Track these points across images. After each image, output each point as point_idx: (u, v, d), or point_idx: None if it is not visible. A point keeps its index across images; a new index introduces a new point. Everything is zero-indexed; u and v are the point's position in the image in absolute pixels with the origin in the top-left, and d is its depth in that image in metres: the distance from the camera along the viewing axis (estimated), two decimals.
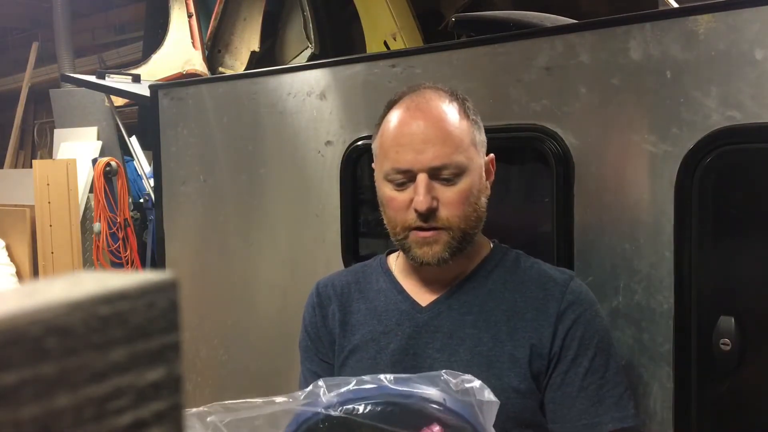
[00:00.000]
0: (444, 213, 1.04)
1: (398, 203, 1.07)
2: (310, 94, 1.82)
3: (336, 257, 1.78)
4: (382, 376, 0.84)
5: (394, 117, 1.09)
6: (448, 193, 1.04)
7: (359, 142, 1.72)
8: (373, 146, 1.15)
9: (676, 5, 1.75)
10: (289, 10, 3.44)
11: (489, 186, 1.12)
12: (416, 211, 1.04)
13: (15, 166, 6.35)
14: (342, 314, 1.19)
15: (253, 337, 2.02)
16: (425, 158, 1.03)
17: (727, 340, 1.17)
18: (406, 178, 1.06)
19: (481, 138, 1.11)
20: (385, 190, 1.10)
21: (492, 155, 1.14)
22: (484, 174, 1.10)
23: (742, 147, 1.17)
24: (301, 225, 1.88)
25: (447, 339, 1.08)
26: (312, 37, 3.19)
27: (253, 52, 3.40)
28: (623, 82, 1.29)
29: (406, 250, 1.10)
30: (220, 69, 3.51)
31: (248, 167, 2.00)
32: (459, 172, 1.04)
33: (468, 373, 1.04)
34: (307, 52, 3.23)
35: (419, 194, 1.03)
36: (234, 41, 3.50)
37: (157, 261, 2.30)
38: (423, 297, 1.14)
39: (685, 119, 1.21)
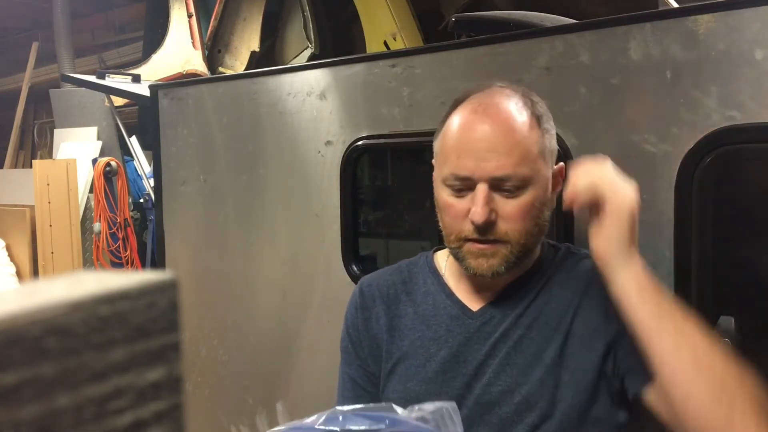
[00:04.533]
0: (503, 226, 0.98)
1: (455, 210, 1.01)
2: (310, 94, 1.82)
3: (336, 257, 1.78)
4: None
5: (459, 118, 1.01)
6: (508, 206, 0.98)
7: (359, 142, 1.72)
8: (434, 145, 1.08)
9: (676, 5, 1.75)
10: (289, 10, 3.45)
11: (555, 197, 1.05)
12: (473, 222, 0.98)
13: (15, 166, 6.36)
14: (389, 318, 1.13)
15: (253, 336, 2.02)
16: (488, 167, 0.96)
17: (727, 340, 1.17)
18: (465, 185, 0.99)
19: (552, 147, 1.03)
20: (443, 195, 1.03)
21: (562, 164, 1.07)
22: (550, 186, 1.03)
23: (742, 147, 1.17)
24: (301, 225, 1.88)
25: (499, 344, 1.04)
26: (312, 37, 3.19)
27: (253, 52, 3.40)
28: (623, 82, 1.29)
29: (459, 259, 1.04)
30: (220, 69, 3.51)
31: (248, 167, 2.00)
32: (522, 185, 0.97)
33: (521, 376, 1.01)
34: (307, 52, 3.23)
35: (477, 205, 0.97)
36: (234, 41, 3.50)
37: (157, 261, 2.30)
38: (473, 301, 1.08)
39: (685, 119, 1.21)
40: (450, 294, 1.10)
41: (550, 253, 1.11)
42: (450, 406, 0.81)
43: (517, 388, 1.02)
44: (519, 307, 1.05)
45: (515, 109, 1.00)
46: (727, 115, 1.17)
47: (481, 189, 0.97)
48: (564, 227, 1.35)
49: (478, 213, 0.97)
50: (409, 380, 1.08)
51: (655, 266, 1.26)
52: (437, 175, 1.05)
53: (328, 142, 1.78)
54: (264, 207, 1.97)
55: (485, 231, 0.98)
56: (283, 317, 1.93)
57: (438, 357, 1.06)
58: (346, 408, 0.82)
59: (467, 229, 1.00)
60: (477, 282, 1.07)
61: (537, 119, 1.01)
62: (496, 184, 0.97)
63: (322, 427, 0.78)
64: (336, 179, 1.76)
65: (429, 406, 0.81)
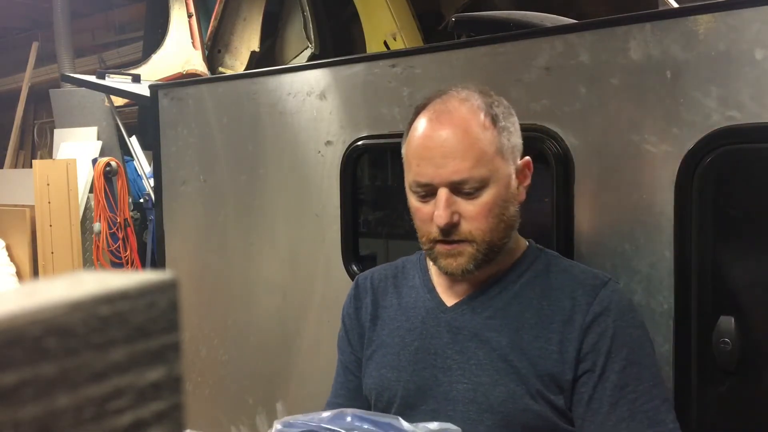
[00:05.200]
0: (466, 226, 1.03)
1: (422, 214, 1.06)
2: (310, 94, 1.82)
3: (336, 257, 1.78)
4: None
5: (419, 126, 1.07)
6: (470, 207, 1.02)
7: (359, 142, 1.72)
8: (402, 151, 1.13)
9: (676, 5, 1.75)
10: (289, 10, 3.45)
11: (524, 190, 1.09)
12: (436, 225, 1.03)
13: (15, 166, 6.35)
14: (374, 308, 1.20)
15: (253, 337, 2.02)
16: (445, 173, 1.01)
17: (727, 340, 1.17)
18: (427, 191, 1.04)
19: (512, 143, 1.06)
20: (412, 200, 1.09)
21: (527, 158, 1.10)
22: (513, 181, 1.06)
23: (742, 147, 1.17)
24: (301, 225, 1.88)
25: (467, 341, 1.07)
26: (312, 37, 3.19)
27: (253, 52, 3.40)
28: (623, 82, 1.29)
29: (433, 260, 1.09)
30: (220, 69, 3.51)
31: (248, 167, 1.99)
32: (481, 186, 1.02)
33: (485, 376, 1.04)
34: (307, 52, 3.23)
35: (438, 209, 1.02)
36: (234, 41, 3.50)
37: (157, 261, 2.30)
38: (451, 297, 1.13)
39: (685, 119, 1.21)
40: (431, 289, 1.15)
41: (531, 256, 1.13)
42: (453, 428, 0.82)
43: (480, 388, 1.04)
44: (491, 307, 1.09)
45: (469, 112, 1.04)
46: (727, 115, 1.17)
47: (442, 193, 1.02)
48: (564, 228, 1.35)
49: (440, 216, 1.01)
50: (383, 367, 1.14)
51: (655, 266, 1.26)
52: (406, 182, 1.10)
53: (328, 142, 1.78)
54: (264, 207, 1.97)
55: (449, 232, 1.03)
56: (283, 317, 1.93)
57: (412, 347, 1.12)
58: (352, 410, 0.83)
59: (434, 231, 1.04)
60: (455, 279, 1.11)
61: (492, 119, 1.04)
62: (456, 188, 1.02)
63: (327, 426, 0.79)
64: (336, 179, 1.76)
65: (433, 425, 0.83)
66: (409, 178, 1.07)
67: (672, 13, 1.26)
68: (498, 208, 1.03)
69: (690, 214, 1.21)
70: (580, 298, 1.05)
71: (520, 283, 1.09)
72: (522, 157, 1.09)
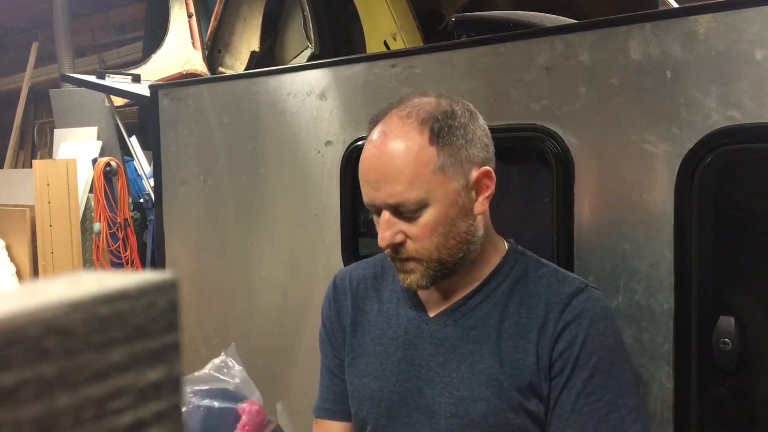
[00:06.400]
0: (411, 246, 1.02)
1: (378, 230, 1.05)
2: (310, 94, 1.82)
3: (336, 257, 1.78)
4: None
5: (365, 146, 1.06)
6: (412, 228, 1.01)
7: (359, 142, 1.72)
8: None
9: (676, 5, 1.75)
10: (289, 10, 3.45)
11: (485, 201, 1.04)
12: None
13: (15, 166, 6.36)
14: (354, 312, 1.18)
15: (253, 337, 2.02)
16: (381, 195, 1.01)
17: (727, 340, 1.17)
18: (374, 210, 1.04)
19: (460, 157, 1.00)
20: (371, 216, 1.09)
21: (486, 168, 1.03)
22: (462, 197, 1.01)
23: (742, 147, 1.17)
24: (301, 225, 1.88)
25: (450, 354, 1.06)
26: (312, 37, 3.19)
27: (253, 52, 3.40)
28: (623, 82, 1.29)
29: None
30: (220, 69, 3.51)
31: (248, 167, 2.00)
32: (418, 207, 0.99)
33: (466, 390, 1.04)
34: (307, 52, 3.23)
35: (381, 231, 1.02)
36: (234, 41, 3.50)
37: (157, 261, 2.30)
38: (433, 306, 1.11)
39: (685, 119, 1.21)
40: (413, 296, 1.13)
41: (511, 261, 1.10)
42: None
43: (462, 403, 1.04)
44: (473, 317, 1.07)
45: (406, 132, 1.00)
46: (727, 115, 1.17)
47: (384, 216, 1.02)
48: (564, 228, 1.36)
49: (382, 239, 1.02)
50: (366, 376, 1.13)
51: (655, 266, 1.26)
52: None
53: (328, 142, 1.78)
54: (264, 207, 1.97)
55: (396, 251, 1.03)
56: (283, 317, 1.93)
57: (395, 357, 1.10)
58: None
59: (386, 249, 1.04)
60: (440, 288, 1.10)
61: (435, 135, 0.99)
62: (394, 210, 1.01)
63: None
64: (336, 179, 1.76)
65: None
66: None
67: (672, 13, 1.26)
68: (443, 227, 1.00)
69: (690, 214, 1.21)
70: (554, 305, 1.03)
71: (501, 291, 1.07)
72: (483, 165, 1.03)
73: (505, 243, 1.13)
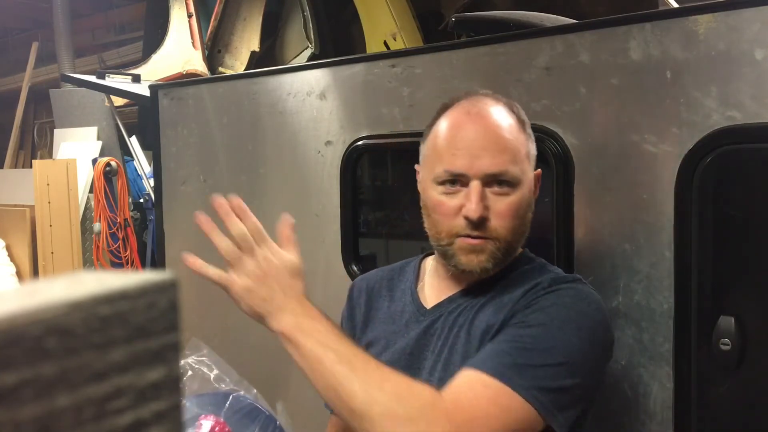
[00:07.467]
0: (494, 223, 1.01)
1: (446, 208, 1.03)
2: (310, 94, 1.82)
3: (336, 257, 1.78)
4: None
5: (451, 120, 1.05)
6: (499, 204, 1.01)
7: (359, 142, 1.72)
8: (421, 148, 1.12)
9: (676, 5, 1.76)
10: (289, 10, 3.45)
11: (534, 202, 1.08)
12: (467, 218, 1.00)
13: (15, 166, 6.35)
14: (366, 309, 1.21)
15: (253, 337, 2.02)
16: (482, 164, 0.99)
17: (727, 340, 1.17)
18: (459, 183, 1.02)
19: (534, 153, 1.07)
20: (433, 194, 1.05)
21: (539, 171, 1.10)
22: (532, 190, 1.06)
23: (742, 147, 1.17)
24: (301, 225, 1.87)
25: (443, 343, 1.08)
26: (312, 37, 3.19)
27: (253, 52, 3.40)
28: (623, 82, 1.29)
29: (448, 257, 1.05)
30: (220, 69, 3.51)
31: (248, 167, 1.99)
32: (513, 183, 1.01)
33: (450, 374, 1.01)
34: (307, 52, 3.23)
35: (472, 202, 0.99)
36: (234, 41, 3.50)
37: (157, 261, 2.30)
38: (434, 300, 1.13)
39: (685, 119, 1.21)
40: (413, 291, 1.16)
41: (519, 264, 1.10)
42: None
43: (441, 386, 1.03)
44: (466, 309, 1.08)
45: (503, 112, 1.05)
46: (727, 115, 1.17)
47: (476, 186, 1.00)
48: (564, 228, 1.36)
49: (473, 209, 0.99)
50: None
51: (655, 266, 1.26)
52: (427, 176, 1.08)
53: (328, 142, 1.78)
54: (264, 207, 1.97)
55: (478, 227, 1.01)
56: None
57: (395, 348, 1.12)
58: None
59: (459, 225, 1.02)
60: (445, 283, 1.12)
61: (522, 124, 1.06)
62: (489, 182, 1.01)
63: None
64: (336, 179, 1.76)
65: None
66: (438, 169, 1.04)
67: (672, 13, 1.26)
68: (522, 210, 1.03)
69: (690, 214, 1.21)
70: (531, 284, 1.03)
71: (497, 286, 1.07)
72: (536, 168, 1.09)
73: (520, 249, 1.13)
